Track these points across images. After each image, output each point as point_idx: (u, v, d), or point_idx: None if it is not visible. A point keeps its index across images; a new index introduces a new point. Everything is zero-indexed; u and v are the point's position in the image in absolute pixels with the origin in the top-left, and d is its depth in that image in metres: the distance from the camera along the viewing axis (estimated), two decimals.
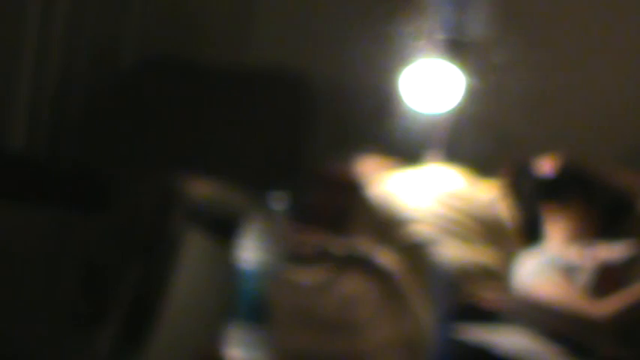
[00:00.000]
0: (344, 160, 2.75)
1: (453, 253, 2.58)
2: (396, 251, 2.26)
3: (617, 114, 3.19)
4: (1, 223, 2.23)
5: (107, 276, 2.09)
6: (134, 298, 2.05)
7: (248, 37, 3.37)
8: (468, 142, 2.98)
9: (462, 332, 2.27)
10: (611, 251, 2.49)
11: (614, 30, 3.19)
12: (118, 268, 2.08)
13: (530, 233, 2.70)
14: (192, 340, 2.02)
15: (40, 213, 2.26)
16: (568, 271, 2.44)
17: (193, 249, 2.09)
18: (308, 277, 2.09)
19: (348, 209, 2.47)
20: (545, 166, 2.71)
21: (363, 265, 2.15)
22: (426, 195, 2.74)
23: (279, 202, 2.00)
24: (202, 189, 2.18)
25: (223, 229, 2.06)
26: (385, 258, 2.19)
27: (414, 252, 2.37)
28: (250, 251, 1.92)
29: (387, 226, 2.55)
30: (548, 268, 2.46)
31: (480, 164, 2.90)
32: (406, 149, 2.96)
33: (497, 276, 2.58)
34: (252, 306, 1.91)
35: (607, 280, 2.40)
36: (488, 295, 2.47)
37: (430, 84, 2.95)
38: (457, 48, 2.96)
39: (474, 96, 2.98)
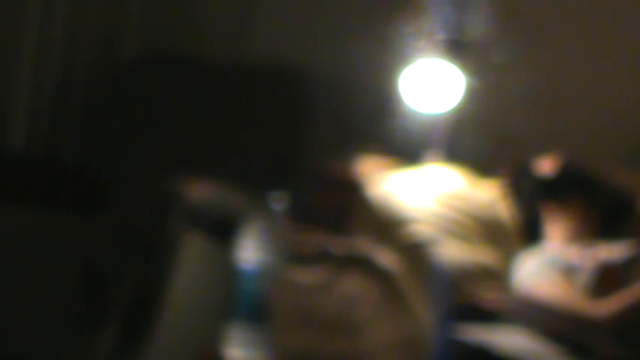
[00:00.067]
0: (344, 160, 2.75)
1: (453, 253, 2.58)
2: (396, 251, 2.26)
3: (617, 114, 3.19)
4: (1, 224, 2.23)
5: (106, 277, 2.10)
6: (133, 299, 2.05)
7: (247, 37, 3.37)
8: (468, 142, 2.98)
9: (462, 332, 2.27)
10: (611, 251, 2.49)
11: (614, 30, 3.19)
12: (117, 269, 2.08)
13: (530, 233, 2.70)
14: (192, 341, 2.02)
15: (39, 214, 2.26)
16: (568, 271, 2.44)
17: (192, 250, 2.09)
18: (308, 277, 2.09)
19: (348, 209, 2.47)
20: (545, 166, 2.71)
21: (363, 265, 2.15)
22: (426, 195, 2.74)
23: (279, 202, 2.00)
24: (201, 191, 2.18)
25: (222, 230, 2.06)
26: (385, 258, 2.19)
27: (414, 252, 2.37)
28: (250, 251, 1.92)
29: (387, 226, 2.55)
30: (548, 268, 2.46)
31: (480, 164, 2.90)
32: (406, 149, 2.96)
33: (497, 276, 2.58)
34: (252, 306, 1.91)
35: (607, 280, 2.40)
36: (488, 295, 2.47)
37: (430, 84, 2.95)
38: (457, 48, 2.96)
39: (474, 96, 2.98)
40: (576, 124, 3.15)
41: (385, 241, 2.34)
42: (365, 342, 2.03)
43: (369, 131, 3.01)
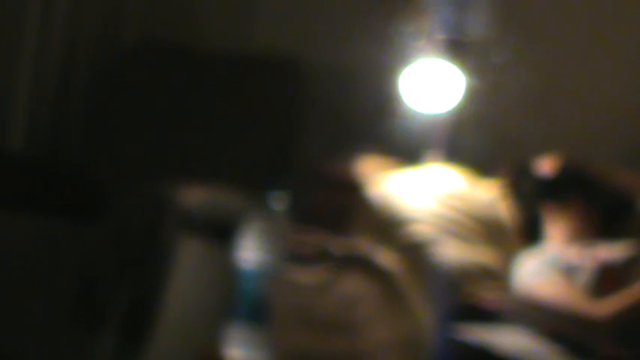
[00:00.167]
0: (344, 159, 2.75)
1: (452, 253, 2.58)
2: (396, 251, 2.26)
3: (617, 114, 3.19)
4: (0, 230, 2.24)
5: (103, 281, 2.10)
6: (131, 301, 2.05)
7: (247, 34, 3.37)
8: (468, 142, 2.98)
9: (462, 332, 2.27)
10: (611, 251, 2.49)
11: (614, 30, 3.19)
12: (114, 273, 2.09)
13: (530, 233, 2.70)
14: (192, 342, 2.03)
15: (36, 221, 2.26)
16: (568, 271, 2.44)
17: (189, 254, 2.09)
18: (308, 277, 2.09)
19: (348, 209, 2.47)
20: (545, 166, 2.71)
21: (363, 265, 2.15)
22: (426, 195, 2.74)
23: (279, 202, 2.00)
24: (195, 196, 2.18)
25: (219, 233, 2.06)
26: (385, 258, 2.19)
27: (414, 252, 2.37)
28: (250, 251, 1.92)
29: (387, 225, 2.55)
30: (548, 268, 2.46)
31: (480, 164, 2.89)
32: (406, 149, 2.95)
33: (497, 276, 2.58)
34: (252, 306, 1.91)
35: (607, 280, 2.40)
36: (488, 295, 2.47)
37: (430, 84, 2.95)
38: (457, 48, 2.96)
39: (474, 96, 2.98)
40: (576, 124, 3.15)
41: (385, 241, 2.34)
42: (365, 342, 2.03)
43: (369, 131, 3.01)
